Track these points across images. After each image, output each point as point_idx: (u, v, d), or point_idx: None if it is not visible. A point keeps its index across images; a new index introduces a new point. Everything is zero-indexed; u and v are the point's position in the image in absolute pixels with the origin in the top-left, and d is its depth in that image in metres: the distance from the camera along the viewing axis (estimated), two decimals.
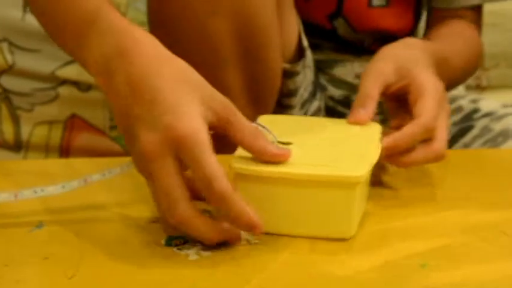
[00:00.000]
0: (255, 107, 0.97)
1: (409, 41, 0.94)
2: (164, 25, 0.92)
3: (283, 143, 0.74)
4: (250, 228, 0.68)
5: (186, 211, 0.67)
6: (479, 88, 1.60)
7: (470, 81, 1.50)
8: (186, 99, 0.67)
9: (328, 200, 0.71)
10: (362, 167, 0.72)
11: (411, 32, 1.14)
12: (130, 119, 0.68)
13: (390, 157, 0.80)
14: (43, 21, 0.80)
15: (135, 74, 0.68)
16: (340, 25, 1.12)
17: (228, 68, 0.94)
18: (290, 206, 0.71)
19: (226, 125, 0.69)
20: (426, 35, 1.08)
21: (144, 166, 0.67)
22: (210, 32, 0.91)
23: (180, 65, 0.70)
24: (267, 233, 0.71)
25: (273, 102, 1.01)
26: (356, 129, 0.81)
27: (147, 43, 0.70)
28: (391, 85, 0.84)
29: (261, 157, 0.70)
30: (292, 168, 0.70)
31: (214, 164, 0.65)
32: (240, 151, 0.72)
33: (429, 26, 1.12)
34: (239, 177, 0.71)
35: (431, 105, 0.81)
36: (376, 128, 0.81)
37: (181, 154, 0.66)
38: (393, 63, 0.85)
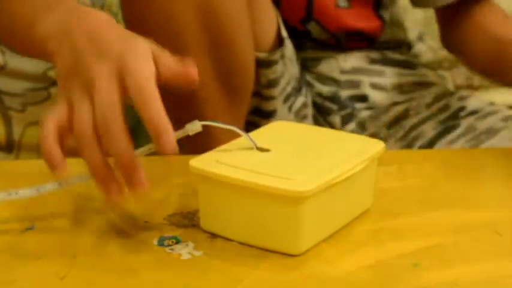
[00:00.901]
0: (229, 97, 0.96)
1: None
2: (134, 14, 0.93)
3: (262, 150, 0.73)
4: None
5: (122, 126, 0.66)
6: (471, 88, 1.60)
7: (462, 80, 1.51)
8: (137, 41, 0.69)
9: (275, 213, 0.68)
10: (312, 182, 0.68)
11: (382, 31, 1.15)
12: (80, 63, 0.68)
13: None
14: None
15: (93, 31, 0.70)
16: (312, 28, 1.13)
17: (195, 55, 0.93)
18: (241, 214, 0.70)
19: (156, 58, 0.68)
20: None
21: (84, 77, 0.68)
22: (174, 16, 0.91)
23: (131, 32, 0.72)
24: (214, 235, 0.71)
25: (249, 93, 1.00)
26: (350, 143, 0.76)
27: (99, 14, 0.72)
28: None
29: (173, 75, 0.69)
30: (245, 175, 0.68)
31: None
32: (205, 154, 0.72)
33: (444, 26, 1.11)
34: (198, 179, 0.71)
35: None
36: (374, 145, 0.76)
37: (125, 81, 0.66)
38: None
